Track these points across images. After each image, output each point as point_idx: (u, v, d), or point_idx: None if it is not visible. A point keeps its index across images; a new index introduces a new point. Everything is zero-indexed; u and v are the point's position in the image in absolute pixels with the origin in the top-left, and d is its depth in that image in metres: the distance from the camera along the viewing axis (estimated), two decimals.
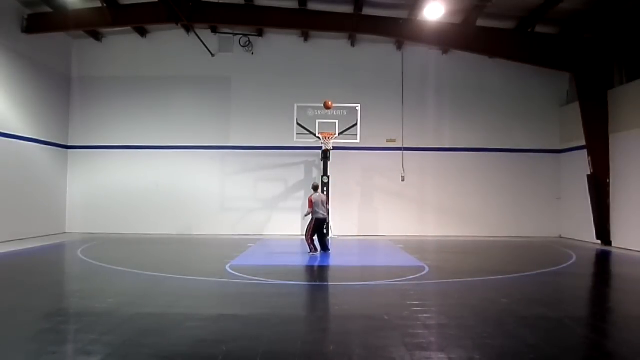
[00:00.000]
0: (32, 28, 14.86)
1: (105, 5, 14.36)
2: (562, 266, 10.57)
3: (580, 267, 11.00)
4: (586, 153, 14.70)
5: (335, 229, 15.92)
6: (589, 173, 14.61)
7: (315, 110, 15.41)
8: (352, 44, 17.32)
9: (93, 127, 17.37)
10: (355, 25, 15.22)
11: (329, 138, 15.14)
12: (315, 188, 12.24)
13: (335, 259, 11.53)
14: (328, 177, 15.10)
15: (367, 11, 15.01)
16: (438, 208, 17.29)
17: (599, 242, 14.59)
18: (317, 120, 15.28)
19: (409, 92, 17.38)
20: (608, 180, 14.30)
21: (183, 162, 17.37)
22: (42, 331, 5.32)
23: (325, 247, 12.10)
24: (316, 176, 17.04)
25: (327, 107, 14.15)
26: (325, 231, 12.05)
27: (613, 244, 14.20)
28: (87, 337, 5.01)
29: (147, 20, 15.77)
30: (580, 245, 14.80)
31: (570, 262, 11.25)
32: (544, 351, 4.73)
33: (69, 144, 17.38)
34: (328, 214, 12.04)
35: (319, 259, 11.33)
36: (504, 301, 6.98)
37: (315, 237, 11.87)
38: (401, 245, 14.03)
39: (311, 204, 11.65)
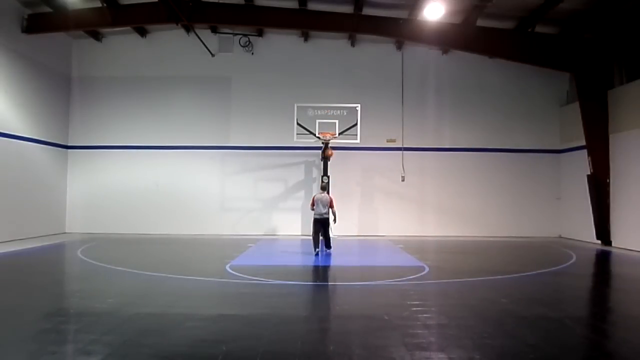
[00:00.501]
0: (32, 28, 14.85)
1: (105, 5, 14.36)
2: (562, 266, 10.58)
3: (580, 267, 11.00)
4: (586, 153, 14.70)
5: (335, 229, 15.92)
6: (589, 173, 14.61)
7: (315, 110, 15.41)
8: (352, 44, 17.32)
9: (93, 127, 17.37)
10: (355, 25, 15.21)
11: (329, 137, 15.10)
12: (322, 188, 12.50)
13: (336, 259, 11.53)
14: (328, 177, 15.09)
15: (367, 11, 15.01)
16: (438, 208, 17.29)
17: (599, 242, 14.59)
18: (317, 120, 15.27)
19: (409, 92, 17.38)
20: (608, 180, 14.30)
21: (183, 162, 17.37)
22: (42, 331, 5.32)
23: (326, 245, 12.17)
24: (316, 176, 17.07)
25: (328, 149, 13.82)
26: (326, 230, 11.98)
27: (613, 244, 14.20)
28: (87, 337, 5.02)
29: (147, 20, 15.75)
30: (580, 245, 14.79)
31: (570, 262, 11.25)
32: (544, 351, 4.73)
33: (69, 144, 17.37)
34: (333, 215, 11.86)
35: (318, 259, 11.33)
36: (504, 301, 6.98)
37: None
38: (401, 245, 14.03)
39: (312, 203, 11.94)
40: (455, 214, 17.29)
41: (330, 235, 12.32)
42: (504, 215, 17.32)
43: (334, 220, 12.00)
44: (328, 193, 12.74)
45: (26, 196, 14.81)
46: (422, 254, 12.26)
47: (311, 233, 12.09)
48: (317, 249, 11.74)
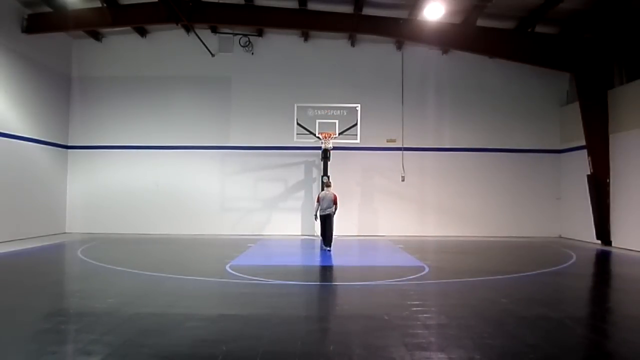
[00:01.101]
0: (32, 28, 14.85)
1: (105, 5, 14.36)
2: (562, 266, 10.58)
3: (580, 267, 11.00)
4: (586, 153, 14.71)
5: (336, 229, 15.92)
6: (589, 173, 14.61)
7: (315, 110, 15.41)
8: (352, 44, 17.32)
9: (93, 127, 17.37)
10: (355, 25, 15.21)
11: (328, 138, 15.13)
12: (327, 185, 13.14)
13: (335, 259, 11.54)
14: (328, 177, 15.11)
15: (367, 11, 15.01)
16: (438, 208, 17.29)
17: (599, 242, 14.59)
18: (317, 120, 15.28)
19: (409, 92, 17.38)
20: (608, 180, 14.30)
21: (183, 162, 17.36)
22: (42, 331, 5.32)
23: (325, 243, 12.58)
24: (316, 176, 17.07)
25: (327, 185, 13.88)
26: (329, 226, 12.63)
27: (613, 244, 14.20)
28: (87, 337, 5.02)
29: (147, 20, 15.74)
30: (580, 245, 14.79)
31: (570, 262, 11.25)
32: (544, 351, 4.73)
33: (69, 144, 17.37)
34: (335, 210, 12.63)
35: (319, 258, 11.34)
36: (504, 301, 6.98)
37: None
38: (401, 245, 14.03)
39: (317, 200, 12.72)
40: (455, 214, 17.28)
41: (334, 232, 12.75)
42: (504, 215, 17.32)
43: (333, 212, 12.68)
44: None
45: (26, 196, 14.81)
46: (422, 254, 12.25)
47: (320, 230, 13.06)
48: (325, 245, 12.59)
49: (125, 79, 17.45)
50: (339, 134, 15.16)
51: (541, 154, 17.56)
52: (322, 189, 13.43)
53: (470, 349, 4.76)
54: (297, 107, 15.28)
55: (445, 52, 17.38)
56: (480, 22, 14.74)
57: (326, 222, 12.58)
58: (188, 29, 16.71)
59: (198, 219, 17.10)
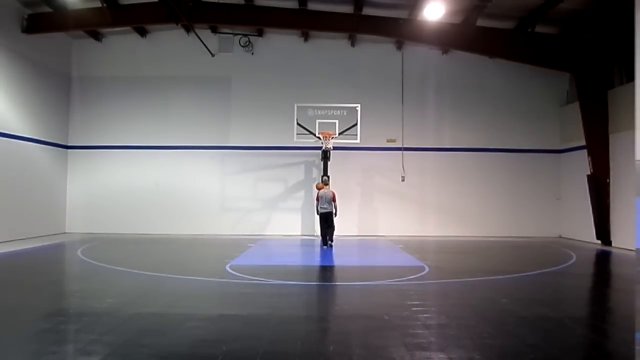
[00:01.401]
0: (32, 28, 14.85)
1: (105, 5, 14.36)
2: (562, 266, 10.58)
3: (580, 267, 11.00)
4: (586, 153, 14.71)
5: (336, 229, 15.91)
6: (589, 173, 14.62)
7: (315, 110, 15.41)
8: (352, 44, 17.32)
9: (93, 127, 17.37)
10: (355, 25, 15.22)
11: (328, 138, 15.13)
12: (325, 184, 13.47)
13: (336, 259, 11.54)
14: (328, 177, 15.10)
15: (367, 11, 15.01)
16: (438, 208, 17.29)
17: (599, 242, 14.59)
18: (317, 120, 15.28)
19: (409, 92, 17.38)
20: (608, 180, 14.30)
21: (183, 162, 17.36)
22: (42, 331, 5.32)
23: (324, 242, 12.92)
24: (316, 176, 17.07)
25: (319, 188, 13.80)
26: (329, 224, 13.01)
27: (613, 244, 14.21)
28: (87, 337, 5.02)
29: (147, 20, 15.74)
30: (580, 245, 14.80)
31: (570, 262, 11.25)
32: (544, 351, 4.73)
33: (69, 144, 17.37)
34: (335, 209, 12.94)
35: (318, 258, 11.36)
36: (504, 301, 6.98)
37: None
38: (401, 245, 14.03)
39: (316, 199, 13.07)
40: (455, 214, 17.28)
41: (335, 231, 13.14)
42: (504, 215, 17.32)
43: (335, 213, 12.92)
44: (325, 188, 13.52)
45: (26, 196, 14.81)
46: (422, 254, 12.25)
47: (319, 230, 13.42)
48: (324, 245, 12.89)
49: (125, 79, 17.45)
50: (339, 134, 15.15)
51: (541, 154, 17.56)
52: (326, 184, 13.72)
53: (470, 349, 4.76)
54: (297, 107, 15.26)
55: (445, 52, 17.38)
56: (480, 22, 14.74)
57: (326, 221, 12.78)
58: (188, 29, 16.71)
59: (198, 219, 17.10)
